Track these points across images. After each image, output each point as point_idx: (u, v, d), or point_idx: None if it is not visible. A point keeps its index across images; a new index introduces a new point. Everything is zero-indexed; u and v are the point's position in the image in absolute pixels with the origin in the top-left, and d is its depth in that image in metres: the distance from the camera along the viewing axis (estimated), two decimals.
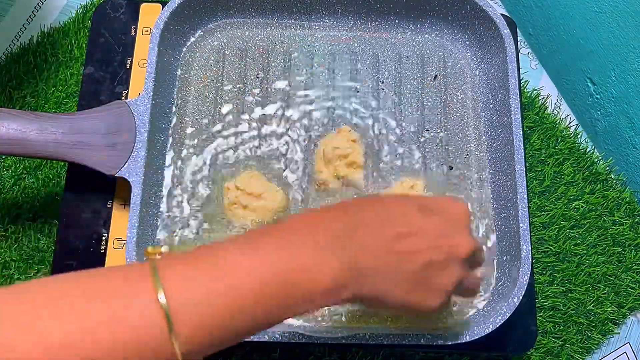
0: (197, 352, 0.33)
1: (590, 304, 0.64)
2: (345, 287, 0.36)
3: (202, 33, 0.66)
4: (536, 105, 0.72)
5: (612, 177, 0.71)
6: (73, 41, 0.71)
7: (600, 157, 0.72)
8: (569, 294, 0.65)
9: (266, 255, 0.34)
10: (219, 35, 0.66)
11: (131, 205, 0.55)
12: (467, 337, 0.50)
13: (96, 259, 0.58)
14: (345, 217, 0.38)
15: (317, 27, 0.67)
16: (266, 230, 0.36)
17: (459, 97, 0.65)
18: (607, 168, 0.71)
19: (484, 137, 0.63)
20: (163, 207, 0.59)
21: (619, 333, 0.65)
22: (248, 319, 0.34)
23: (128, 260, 0.53)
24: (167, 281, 0.32)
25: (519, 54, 0.66)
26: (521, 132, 0.58)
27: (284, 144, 0.62)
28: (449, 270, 0.40)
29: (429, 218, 0.39)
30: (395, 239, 0.37)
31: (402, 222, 0.38)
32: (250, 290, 0.33)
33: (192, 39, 0.66)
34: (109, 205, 0.60)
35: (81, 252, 0.58)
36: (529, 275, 0.53)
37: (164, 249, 0.35)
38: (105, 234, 0.59)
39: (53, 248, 0.59)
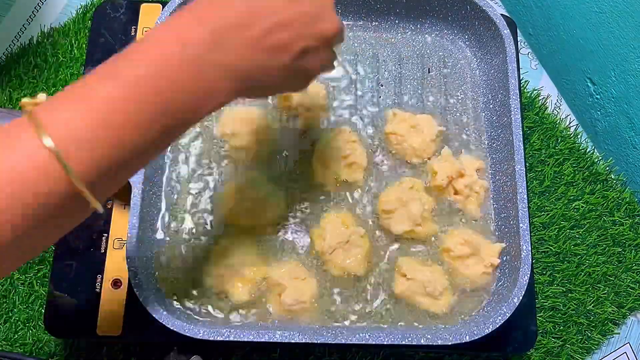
0: (101, 184, 0.33)
1: (590, 304, 0.64)
2: (222, 91, 0.36)
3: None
4: (536, 105, 0.72)
5: (612, 177, 0.71)
6: (73, 41, 0.71)
7: (600, 157, 0.72)
8: (569, 294, 0.65)
9: (136, 77, 0.33)
10: None
11: (131, 205, 0.55)
12: (467, 337, 0.50)
13: (96, 259, 0.58)
14: (208, 21, 0.36)
15: None
16: (133, 51, 0.34)
17: (459, 97, 0.65)
18: (607, 168, 0.71)
19: (484, 137, 0.63)
20: (163, 207, 0.59)
21: (619, 333, 0.65)
22: (136, 138, 0.33)
23: (128, 260, 0.53)
24: (47, 120, 0.31)
25: (519, 54, 0.66)
26: (521, 132, 0.58)
27: (284, 144, 0.62)
28: (320, 54, 0.40)
29: (295, 3, 0.38)
30: (264, 37, 0.37)
31: (268, 14, 0.37)
32: (129, 109, 0.32)
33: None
34: (109, 206, 0.60)
35: (81, 252, 0.58)
36: (529, 275, 0.53)
37: (40, 97, 0.34)
38: (105, 234, 0.59)
39: (53, 248, 0.59)
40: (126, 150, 0.33)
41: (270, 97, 0.64)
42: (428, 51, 0.67)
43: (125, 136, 0.33)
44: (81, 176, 0.31)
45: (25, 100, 0.33)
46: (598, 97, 0.75)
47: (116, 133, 0.32)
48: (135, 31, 0.66)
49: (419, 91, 0.65)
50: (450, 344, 0.50)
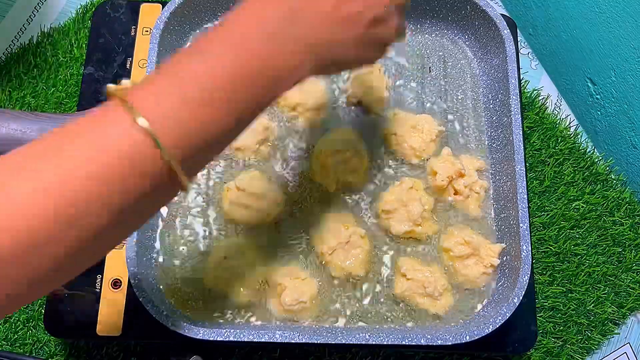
0: (192, 162, 0.34)
1: (590, 304, 0.64)
2: (303, 64, 0.37)
3: (202, 33, 0.66)
4: (536, 105, 0.72)
5: (612, 177, 0.71)
6: (73, 41, 0.71)
7: (600, 157, 0.72)
8: (569, 294, 0.65)
9: (222, 55, 0.34)
10: None
11: None
12: (467, 337, 0.50)
13: None
14: (281, 2, 0.37)
15: None
16: (215, 34, 0.36)
17: (459, 97, 0.65)
18: (607, 168, 0.71)
19: (484, 137, 0.63)
20: (163, 207, 0.59)
21: (619, 333, 0.65)
22: (224, 115, 0.34)
23: (128, 260, 0.53)
24: (138, 103, 0.31)
25: (519, 54, 0.66)
26: (521, 132, 0.58)
27: (284, 144, 0.62)
28: (390, 22, 0.42)
29: None
30: (336, 9, 0.38)
31: None
32: (218, 87, 0.33)
33: (192, 39, 0.66)
34: None
35: None
36: (529, 275, 0.53)
37: (124, 82, 0.34)
38: None
39: None
40: (214, 127, 0.34)
41: None
42: (428, 51, 0.67)
43: (213, 113, 0.33)
44: (174, 154, 0.32)
45: (111, 85, 0.34)
46: (598, 97, 0.75)
47: (204, 110, 0.33)
48: (135, 31, 0.66)
49: (419, 91, 0.65)
50: (450, 344, 0.50)
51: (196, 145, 0.33)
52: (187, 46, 0.35)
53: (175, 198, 0.59)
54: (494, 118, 0.63)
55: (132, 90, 0.32)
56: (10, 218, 0.28)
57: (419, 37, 0.67)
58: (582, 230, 0.67)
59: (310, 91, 0.63)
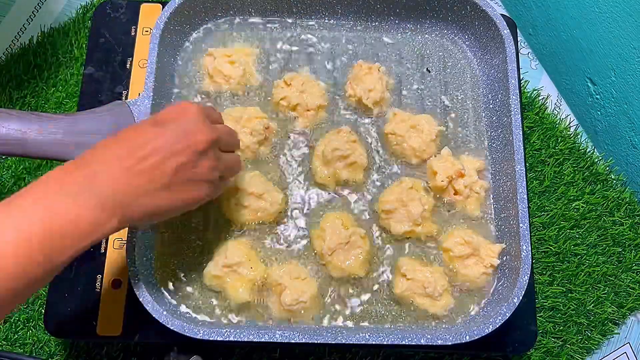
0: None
1: (590, 304, 0.64)
2: (109, 220, 0.40)
3: (202, 33, 0.66)
4: (536, 106, 0.72)
5: (612, 177, 0.71)
6: (73, 41, 0.71)
7: (600, 157, 0.72)
8: (569, 294, 0.65)
9: (24, 213, 0.36)
10: (219, 35, 0.66)
11: None
12: (467, 337, 0.50)
13: (96, 259, 0.58)
14: (84, 165, 0.40)
15: (317, 28, 0.67)
16: (25, 190, 0.38)
17: (459, 97, 0.65)
18: (607, 168, 0.71)
19: (484, 137, 0.63)
20: None
21: (619, 333, 0.65)
22: (34, 267, 0.36)
23: (128, 260, 0.53)
24: None
25: (519, 54, 0.66)
26: (521, 132, 0.58)
27: (284, 144, 0.62)
28: (200, 163, 0.44)
29: (163, 128, 0.43)
30: (137, 163, 0.41)
31: (139, 144, 0.42)
32: (17, 247, 0.35)
33: (192, 39, 0.66)
34: None
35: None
36: (529, 275, 0.53)
37: None
38: None
39: None
40: (25, 279, 0.36)
41: (270, 97, 0.64)
42: (428, 51, 0.67)
43: (19, 264, 0.35)
44: None
45: None
46: (598, 97, 0.75)
47: (10, 262, 0.35)
48: (135, 31, 0.66)
49: (419, 91, 0.65)
50: (450, 344, 0.50)
51: (15, 286, 0.35)
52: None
53: None
54: (494, 118, 0.63)
55: None
56: None
57: (419, 37, 0.67)
58: (582, 230, 0.67)
59: (310, 91, 0.63)
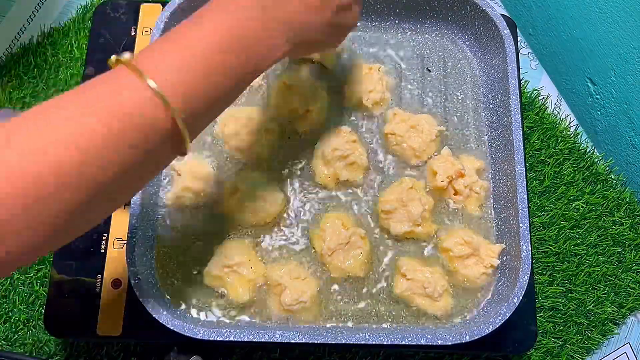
0: (194, 122, 0.37)
1: (590, 304, 0.64)
2: (281, 43, 0.42)
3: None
4: (536, 106, 0.72)
5: (612, 177, 0.71)
6: (73, 41, 0.71)
7: (600, 157, 0.72)
8: (569, 294, 0.65)
9: (217, 23, 0.39)
10: None
11: (131, 205, 0.55)
12: (467, 337, 0.50)
13: (96, 259, 0.58)
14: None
15: None
16: (214, 4, 0.40)
17: (459, 97, 0.65)
18: (607, 168, 0.71)
19: (484, 137, 0.63)
20: (163, 207, 0.59)
21: (619, 333, 0.65)
22: (221, 78, 0.38)
23: (128, 260, 0.53)
24: (145, 67, 0.35)
25: (519, 54, 0.66)
26: (521, 132, 0.58)
27: (284, 144, 0.62)
28: (351, 10, 0.48)
29: None
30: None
31: None
32: (214, 50, 0.37)
33: None
34: None
35: (81, 252, 0.58)
36: (529, 275, 0.53)
37: (125, 55, 0.37)
38: (105, 234, 0.59)
39: None
40: (213, 88, 0.38)
41: (269, 97, 0.64)
42: (428, 51, 0.67)
43: (211, 76, 0.37)
44: (180, 113, 0.35)
45: (114, 56, 0.36)
46: (598, 97, 0.75)
47: (203, 73, 0.37)
48: (135, 31, 0.66)
49: (419, 91, 0.65)
50: (450, 344, 0.50)
51: (198, 106, 0.37)
52: (185, 20, 0.40)
53: (176, 198, 0.59)
54: (494, 118, 0.63)
55: (138, 57, 0.36)
56: (25, 164, 0.31)
57: (419, 37, 0.67)
58: (582, 230, 0.67)
59: (311, 92, 0.63)
